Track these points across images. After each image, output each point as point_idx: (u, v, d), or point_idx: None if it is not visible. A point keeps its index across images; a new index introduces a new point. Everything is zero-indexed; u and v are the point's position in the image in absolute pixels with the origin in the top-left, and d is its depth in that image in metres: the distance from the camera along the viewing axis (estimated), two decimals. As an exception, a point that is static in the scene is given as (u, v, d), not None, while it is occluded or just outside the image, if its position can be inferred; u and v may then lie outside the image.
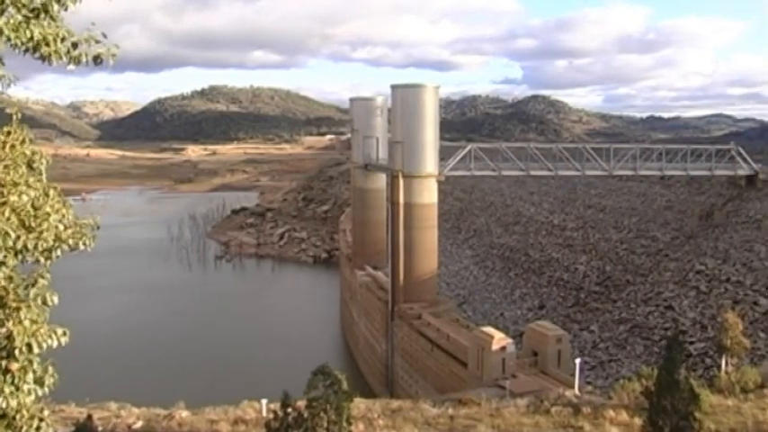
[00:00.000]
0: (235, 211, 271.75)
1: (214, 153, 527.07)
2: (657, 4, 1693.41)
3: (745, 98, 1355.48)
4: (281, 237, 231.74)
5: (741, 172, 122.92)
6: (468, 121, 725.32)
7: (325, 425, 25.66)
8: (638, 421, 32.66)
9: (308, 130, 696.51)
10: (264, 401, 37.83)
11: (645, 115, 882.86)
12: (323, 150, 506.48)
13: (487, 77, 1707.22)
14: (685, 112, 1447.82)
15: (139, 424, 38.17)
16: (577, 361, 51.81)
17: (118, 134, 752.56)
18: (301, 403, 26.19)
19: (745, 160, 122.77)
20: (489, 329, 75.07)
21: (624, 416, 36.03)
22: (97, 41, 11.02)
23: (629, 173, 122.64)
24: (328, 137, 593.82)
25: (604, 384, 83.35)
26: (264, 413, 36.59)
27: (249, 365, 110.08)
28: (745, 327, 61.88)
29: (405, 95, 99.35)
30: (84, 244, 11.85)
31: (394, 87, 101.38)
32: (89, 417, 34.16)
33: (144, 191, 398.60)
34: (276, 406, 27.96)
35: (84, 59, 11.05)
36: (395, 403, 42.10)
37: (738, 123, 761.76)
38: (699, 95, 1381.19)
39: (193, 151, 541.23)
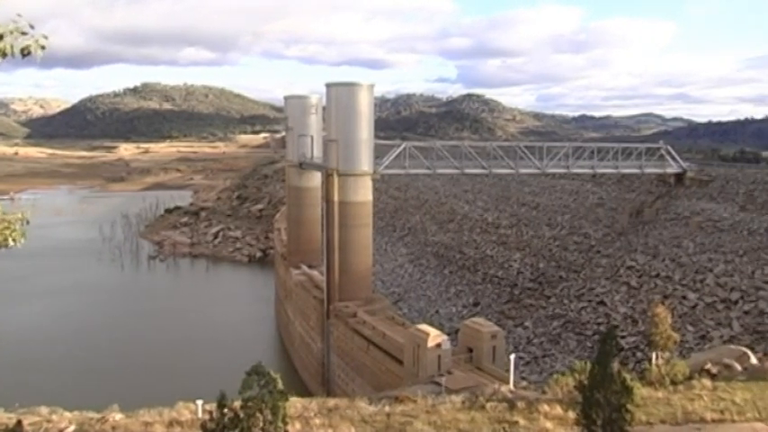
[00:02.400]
0: (168, 211, 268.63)
1: (147, 151, 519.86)
2: (590, 5, 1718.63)
3: (674, 98, 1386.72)
4: (216, 236, 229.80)
5: (670, 170, 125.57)
6: (402, 120, 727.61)
7: (261, 425, 25.48)
8: (571, 415, 33.05)
9: (243, 128, 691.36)
10: (200, 402, 37.34)
11: (577, 114, 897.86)
12: (257, 149, 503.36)
13: (422, 76, 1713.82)
14: (616, 111, 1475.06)
15: (72, 428, 37.35)
16: (512, 357, 52.36)
17: (48, 132, 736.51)
18: (237, 404, 25.95)
19: (673, 159, 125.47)
20: (425, 327, 75.24)
21: (558, 410, 36.43)
22: (24, 33, 10.69)
23: (562, 171, 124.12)
24: (263, 135, 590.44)
25: (539, 379, 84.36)
26: (200, 414, 36.19)
27: (184, 366, 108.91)
28: (675, 321, 63.15)
29: (339, 94, 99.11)
30: (14, 240, 11.47)
31: (329, 85, 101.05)
32: (18, 422, 33.39)
33: (75, 190, 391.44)
34: (212, 407, 27.70)
35: (10, 52, 10.69)
36: (331, 402, 41.89)
37: (667, 122, 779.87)
38: (629, 95, 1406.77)
39: (126, 150, 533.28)
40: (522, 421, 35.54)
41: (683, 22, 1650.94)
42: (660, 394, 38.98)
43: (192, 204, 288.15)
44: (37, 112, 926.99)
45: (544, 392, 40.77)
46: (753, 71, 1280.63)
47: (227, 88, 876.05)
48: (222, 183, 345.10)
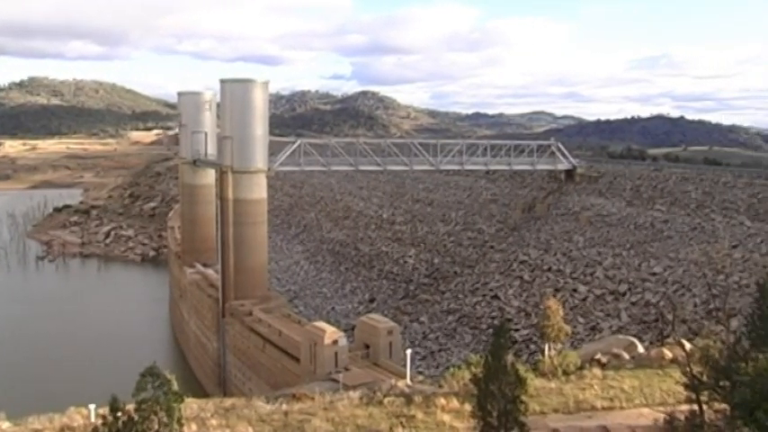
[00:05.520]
0: (57, 209, 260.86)
1: (34, 148, 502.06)
2: (486, 4, 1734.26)
3: (565, 97, 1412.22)
4: (107, 235, 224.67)
5: (561, 166, 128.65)
6: (297, 117, 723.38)
7: (156, 427, 25.02)
8: (467, 407, 33.43)
9: (135, 124, 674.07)
10: (93, 407, 36.28)
11: (470, 112, 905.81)
12: (150, 146, 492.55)
13: (317, 73, 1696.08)
14: (509, 109, 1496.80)
15: (-46, 437, 35.99)
16: (408, 352, 52.68)
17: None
18: (131, 407, 25.38)
19: (564, 155, 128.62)
20: (321, 324, 75.33)
21: (455, 403, 36.80)
22: None
23: (456, 167, 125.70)
24: (155, 132, 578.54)
25: (435, 373, 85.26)
26: (93, 419, 35.22)
27: (75, 370, 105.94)
28: (566, 313, 64.65)
29: (234, 90, 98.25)
30: None
31: (223, 82, 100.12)
32: None
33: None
34: (105, 411, 27.00)
35: None
36: (228, 401, 41.39)
37: (558, 120, 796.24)
38: (521, 93, 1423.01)
39: (11, 146, 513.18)
40: (419, 415, 35.80)
41: (576, 23, 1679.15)
42: (553, 384, 39.86)
43: (82, 203, 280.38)
44: None
45: (441, 386, 41.18)
46: (639, 71, 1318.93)
47: (118, 84, 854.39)
48: (113, 180, 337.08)
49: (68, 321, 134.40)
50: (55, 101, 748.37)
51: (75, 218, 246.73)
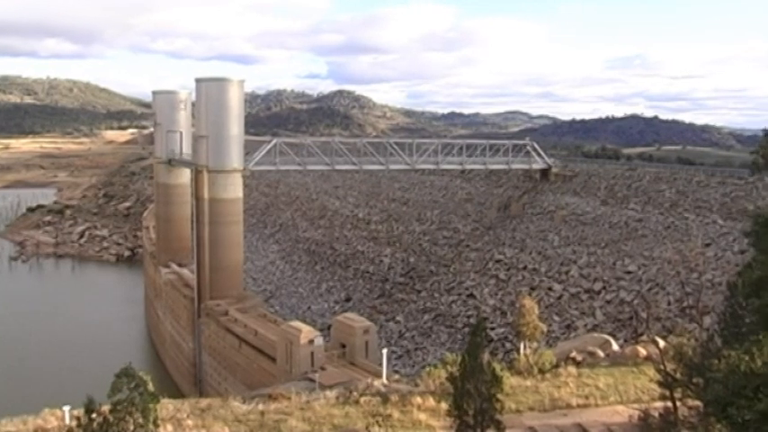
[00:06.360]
0: (31, 209, 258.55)
1: (7, 148, 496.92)
2: (461, 4, 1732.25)
3: (540, 96, 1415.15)
4: (81, 235, 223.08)
5: (536, 166, 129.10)
6: (273, 116, 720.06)
7: (132, 428, 24.89)
8: (444, 406, 33.55)
9: (109, 123, 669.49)
10: (67, 408, 35.97)
11: (446, 111, 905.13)
12: (124, 145, 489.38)
13: (292, 72, 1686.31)
14: (484, 108, 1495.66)
15: (-75, 440, 35.61)
16: (384, 351, 52.69)
17: None
18: (106, 408, 25.21)
19: (539, 155, 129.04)
20: (297, 323, 75.38)
21: (431, 401, 36.92)
22: None
23: (432, 167, 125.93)
24: (130, 131, 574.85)
25: (411, 372, 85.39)
26: (68, 421, 34.94)
27: (50, 371, 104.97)
28: (541, 311, 64.93)
29: (209, 89, 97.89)
30: None
31: (198, 81, 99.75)
32: None
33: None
34: (80, 412, 26.81)
35: None
36: (204, 402, 41.22)
37: (533, 120, 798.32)
38: (497, 93, 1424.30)
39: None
40: (396, 414, 35.87)
41: (552, 23, 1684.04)
42: (529, 383, 40.09)
43: (56, 203, 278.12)
44: None
45: (417, 385, 41.22)
46: (614, 71, 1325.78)
47: (92, 82, 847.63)
48: (88, 180, 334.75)
49: (42, 322, 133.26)
50: (28, 99, 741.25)
51: (48, 218, 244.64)
